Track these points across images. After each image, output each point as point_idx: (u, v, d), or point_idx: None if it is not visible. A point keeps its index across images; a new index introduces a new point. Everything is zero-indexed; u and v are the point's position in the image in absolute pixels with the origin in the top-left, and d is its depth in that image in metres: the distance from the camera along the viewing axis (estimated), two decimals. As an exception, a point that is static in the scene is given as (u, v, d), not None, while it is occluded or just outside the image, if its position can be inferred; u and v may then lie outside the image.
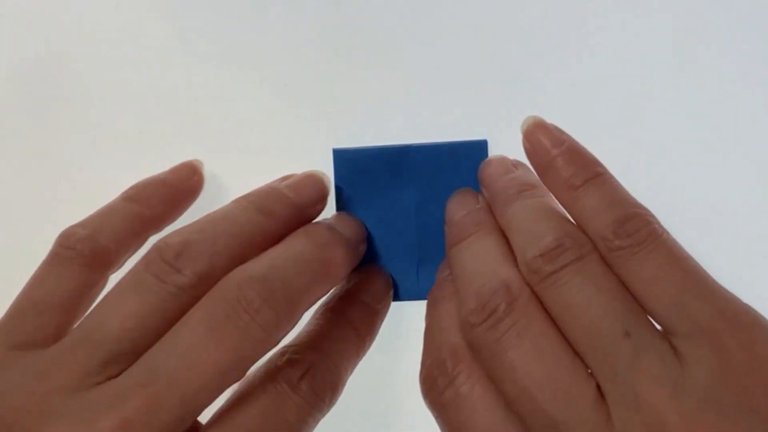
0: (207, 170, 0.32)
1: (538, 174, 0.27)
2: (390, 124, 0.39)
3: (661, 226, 0.24)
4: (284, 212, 0.27)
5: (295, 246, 0.26)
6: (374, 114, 0.39)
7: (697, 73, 0.41)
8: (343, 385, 0.27)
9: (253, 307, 0.23)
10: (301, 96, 0.39)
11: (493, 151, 0.28)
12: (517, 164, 0.28)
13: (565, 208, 0.26)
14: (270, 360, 0.26)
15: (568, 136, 0.27)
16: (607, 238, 0.23)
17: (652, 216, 0.24)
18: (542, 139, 0.26)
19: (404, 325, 0.31)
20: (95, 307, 0.25)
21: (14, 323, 0.25)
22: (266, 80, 0.40)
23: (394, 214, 0.29)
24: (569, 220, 0.25)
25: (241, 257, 0.25)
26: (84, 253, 0.26)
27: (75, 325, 0.25)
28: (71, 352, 0.24)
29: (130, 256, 0.28)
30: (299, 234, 0.26)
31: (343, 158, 0.29)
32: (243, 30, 0.40)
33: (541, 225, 0.24)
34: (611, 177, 0.26)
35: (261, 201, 0.27)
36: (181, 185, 0.30)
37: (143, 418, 0.22)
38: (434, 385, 0.25)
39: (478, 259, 0.26)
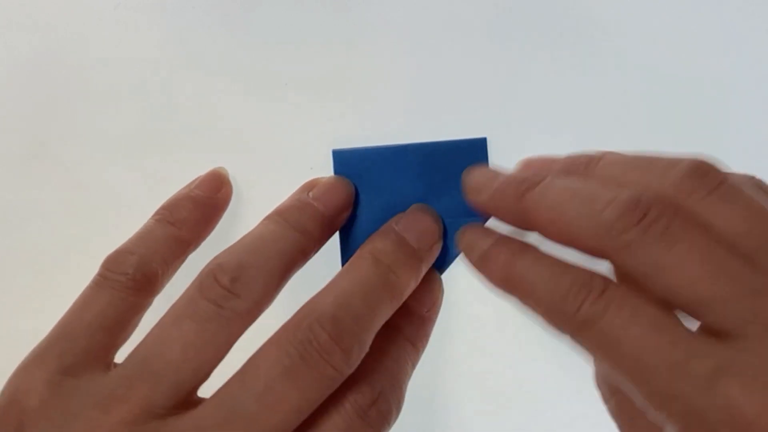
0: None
1: None
2: (390, 124, 0.39)
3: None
4: (318, 229, 0.27)
5: (360, 272, 0.25)
6: (374, 114, 0.40)
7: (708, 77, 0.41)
8: (404, 400, 0.27)
9: (325, 349, 0.23)
10: (301, 96, 0.40)
11: (492, 150, 0.28)
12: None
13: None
14: (338, 388, 0.25)
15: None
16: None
17: None
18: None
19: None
20: (150, 335, 0.25)
21: (64, 345, 0.25)
22: (266, 79, 0.40)
23: (394, 213, 0.29)
24: None
25: (286, 277, 0.26)
26: (136, 278, 0.26)
27: (128, 352, 0.25)
28: (132, 384, 0.23)
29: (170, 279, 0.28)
30: (365, 257, 0.26)
31: (343, 159, 0.29)
32: (243, 29, 0.40)
33: (658, 161, 0.23)
34: None
35: (296, 219, 0.27)
36: (212, 201, 0.30)
37: None
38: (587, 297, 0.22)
39: (581, 188, 0.23)
